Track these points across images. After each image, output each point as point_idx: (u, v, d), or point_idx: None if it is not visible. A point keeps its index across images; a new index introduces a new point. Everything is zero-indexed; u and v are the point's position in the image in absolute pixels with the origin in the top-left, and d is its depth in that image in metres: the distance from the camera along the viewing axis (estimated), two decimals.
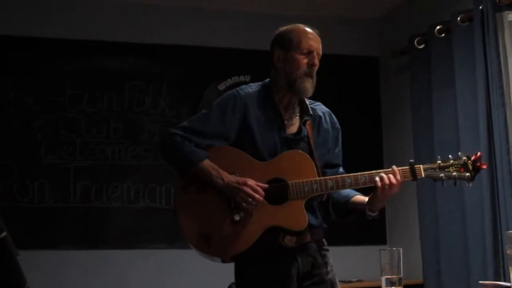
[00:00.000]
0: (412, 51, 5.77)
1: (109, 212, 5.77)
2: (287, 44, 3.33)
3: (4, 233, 1.75)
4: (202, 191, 3.22)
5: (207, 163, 3.19)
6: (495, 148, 4.83)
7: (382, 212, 5.77)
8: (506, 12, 4.90)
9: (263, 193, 3.15)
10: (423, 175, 3.14)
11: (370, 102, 6.45)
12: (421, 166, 3.15)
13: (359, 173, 3.18)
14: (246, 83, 6.09)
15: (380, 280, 2.94)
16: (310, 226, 3.23)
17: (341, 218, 3.37)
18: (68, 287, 5.54)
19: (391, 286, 2.90)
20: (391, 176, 3.13)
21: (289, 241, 3.20)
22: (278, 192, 3.18)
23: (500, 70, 4.85)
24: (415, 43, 5.70)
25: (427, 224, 5.52)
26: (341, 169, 3.42)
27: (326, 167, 3.35)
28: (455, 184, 3.18)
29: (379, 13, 6.46)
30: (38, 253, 5.42)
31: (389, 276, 2.90)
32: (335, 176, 3.21)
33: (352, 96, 6.30)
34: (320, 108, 3.44)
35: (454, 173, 3.14)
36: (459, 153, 3.19)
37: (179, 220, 3.26)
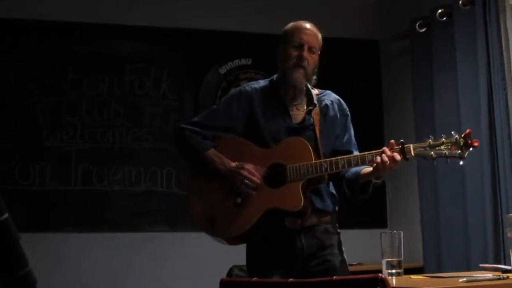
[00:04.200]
0: (414, 34, 5.75)
1: (110, 195, 5.78)
2: (284, 38, 3.50)
3: (6, 215, 1.75)
4: (209, 178, 3.45)
5: (212, 152, 3.43)
6: (496, 131, 4.84)
7: (383, 195, 5.79)
8: None
9: (259, 176, 3.35)
10: (412, 154, 3.17)
11: (371, 86, 6.43)
12: (411, 145, 3.18)
13: (352, 155, 3.32)
14: (247, 66, 6.19)
15: (381, 263, 2.95)
16: (316, 210, 3.39)
17: (357, 195, 3.45)
18: (69, 269, 5.56)
19: (392, 269, 2.91)
20: (383, 156, 3.17)
21: (292, 223, 3.34)
22: (277, 176, 3.34)
23: (501, 54, 4.84)
24: (417, 27, 5.68)
25: (427, 207, 5.53)
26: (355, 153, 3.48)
27: (338, 153, 3.41)
28: (446, 162, 3.16)
29: None
30: (39, 236, 5.43)
31: (389, 259, 2.91)
32: (330, 159, 3.30)
33: (353, 80, 6.28)
34: (329, 97, 3.58)
35: (445, 152, 3.14)
36: (452, 132, 3.18)
37: (189, 206, 3.51)
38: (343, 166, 3.28)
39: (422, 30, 5.66)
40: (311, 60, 3.44)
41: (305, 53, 3.41)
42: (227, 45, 6.18)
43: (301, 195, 3.29)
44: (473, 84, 5.05)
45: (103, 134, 5.82)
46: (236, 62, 6.21)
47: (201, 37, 6.11)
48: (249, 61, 6.23)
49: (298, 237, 3.38)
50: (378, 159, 3.17)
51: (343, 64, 6.27)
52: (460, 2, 5.15)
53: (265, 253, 3.40)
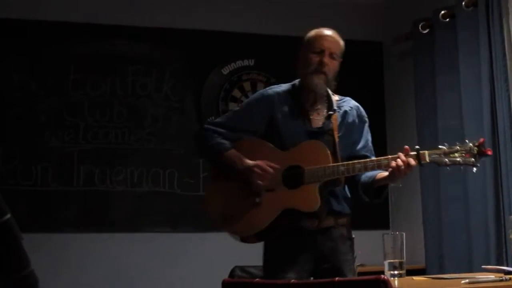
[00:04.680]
0: (416, 36, 5.75)
1: (112, 195, 5.78)
2: (306, 44, 3.58)
3: (8, 215, 1.75)
4: (229, 178, 3.53)
5: (232, 152, 3.51)
6: (499, 133, 4.83)
7: (385, 196, 5.79)
8: None
9: (273, 172, 3.42)
10: (427, 160, 3.25)
11: (373, 87, 6.43)
12: (426, 152, 3.25)
13: (368, 159, 3.40)
14: (250, 67, 6.19)
15: (383, 264, 2.95)
16: (333, 212, 3.48)
17: (373, 199, 3.54)
18: (71, 270, 5.56)
19: (394, 270, 2.91)
20: (398, 160, 3.25)
21: (310, 224, 3.43)
22: (295, 177, 3.42)
23: (504, 55, 4.84)
24: (419, 28, 5.68)
25: (430, 209, 5.53)
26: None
27: (355, 159, 3.50)
28: (460, 169, 3.27)
29: None
30: (42, 236, 5.44)
31: (392, 260, 2.92)
32: (347, 162, 3.40)
33: (355, 81, 6.25)
34: (348, 103, 3.69)
35: (459, 159, 3.21)
36: (466, 140, 3.24)
37: (207, 203, 3.64)
38: (360, 170, 3.37)
39: (425, 32, 5.66)
40: (332, 66, 3.54)
41: (326, 59, 3.51)
42: (230, 46, 6.18)
43: (318, 196, 3.36)
44: (475, 86, 5.05)
45: (105, 135, 5.82)
46: (239, 63, 6.21)
47: (203, 38, 6.11)
48: (251, 62, 6.23)
49: (314, 238, 3.45)
50: (393, 163, 3.25)
51: (346, 65, 6.23)
52: (463, 3, 5.15)
53: (281, 252, 3.47)
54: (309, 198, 3.38)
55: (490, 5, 4.92)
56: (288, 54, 6.11)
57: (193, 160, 5.94)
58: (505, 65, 4.83)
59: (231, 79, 6.18)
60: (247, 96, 6.12)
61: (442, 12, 5.42)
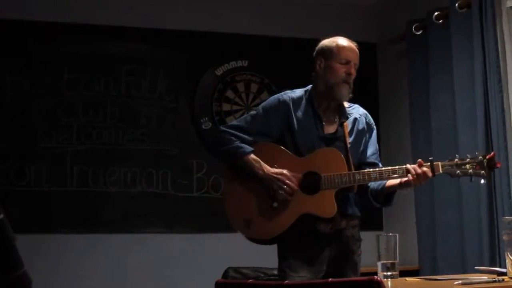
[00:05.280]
0: (410, 37, 5.75)
1: (106, 196, 5.76)
2: (328, 54, 3.67)
3: (1, 216, 1.75)
4: (246, 181, 3.64)
5: (251, 156, 3.61)
6: (492, 134, 4.84)
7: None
8: None
9: (296, 182, 3.54)
10: (441, 171, 3.43)
11: (367, 88, 6.41)
12: (439, 163, 3.43)
13: (383, 168, 3.54)
14: (243, 68, 6.19)
15: (376, 265, 2.95)
16: (346, 214, 3.63)
17: (382, 204, 3.78)
18: (65, 271, 5.55)
19: (387, 271, 2.91)
20: (417, 172, 3.41)
21: (324, 227, 3.56)
22: (312, 184, 3.55)
23: (497, 56, 4.84)
24: (413, 29, 5.68)
25: (423, 210, 5.53)
26: (380, 166, 3.73)
27: (364, 165, 3.67)
28: (470, 180, 3.47)
29: None
30: (35, 237, 5.42)
31: (385, 261, 2.92)
32: (363, 170, 3.54)
33: None
34: (358, 111, 3.82)
35: (470, 170, 3.42)
36: (476, 152, 3.44)
37: (225, 206, 3.71)
38: (375, 179, 3.53)
39: (419, 33, 5.66)
40: (354, 76, 3.66)
41: (352, 70, 3.63)
42: (224, 47, 6.18)
43: (335, 203, 3.49)
44: (469, 87, 5.05)
45: (98, 135, 5.81)
46: (232, 64, 6.20)
47: (197, 39, 6.11)
48: (245, 63, 6.23)
49: (328, 239, 3.58)
50: (410, 176, 3.41)
51: None
52: (457, 5, 5.15)
53: (296, 253, 3.56)
54: (326, 204, 3.49)
55: (483, 6, 4.93)
56: (282, 55, 6.16)
57: (186, 161, 5.94)
58: (498, 66, 4.84)
59: (225, 80, 6.18)
60: (240, 97, 6.13)
61: (436, 13, 5.42)
